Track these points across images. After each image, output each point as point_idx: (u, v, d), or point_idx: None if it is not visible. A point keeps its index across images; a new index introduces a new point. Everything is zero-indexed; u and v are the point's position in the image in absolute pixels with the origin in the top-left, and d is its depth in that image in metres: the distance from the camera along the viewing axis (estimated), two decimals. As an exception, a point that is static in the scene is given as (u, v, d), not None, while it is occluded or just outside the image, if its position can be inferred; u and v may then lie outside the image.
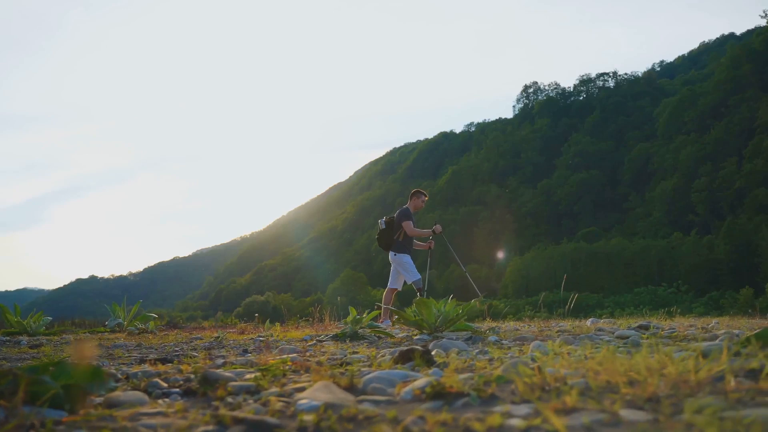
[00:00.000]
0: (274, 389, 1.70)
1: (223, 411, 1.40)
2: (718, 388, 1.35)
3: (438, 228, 8.98)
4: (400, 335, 4.31)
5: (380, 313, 6.99)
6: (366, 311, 4.64)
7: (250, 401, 1.57)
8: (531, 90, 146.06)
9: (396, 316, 9.59)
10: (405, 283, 8.99)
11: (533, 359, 2.00)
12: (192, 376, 1.92)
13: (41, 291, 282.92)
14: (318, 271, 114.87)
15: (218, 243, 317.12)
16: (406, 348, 2.26)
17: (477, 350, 2.76)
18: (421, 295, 8.81)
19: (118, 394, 1.73)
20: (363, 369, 2.12)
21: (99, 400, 1.68)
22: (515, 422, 1.20)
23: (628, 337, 3.25)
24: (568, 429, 1.13)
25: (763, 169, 74.86)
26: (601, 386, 1.40)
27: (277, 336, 5.02)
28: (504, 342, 3.34)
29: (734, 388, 1.38)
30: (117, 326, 8.50)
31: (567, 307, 8.47)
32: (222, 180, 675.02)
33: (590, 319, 6.56)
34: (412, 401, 1.45)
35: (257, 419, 1.31)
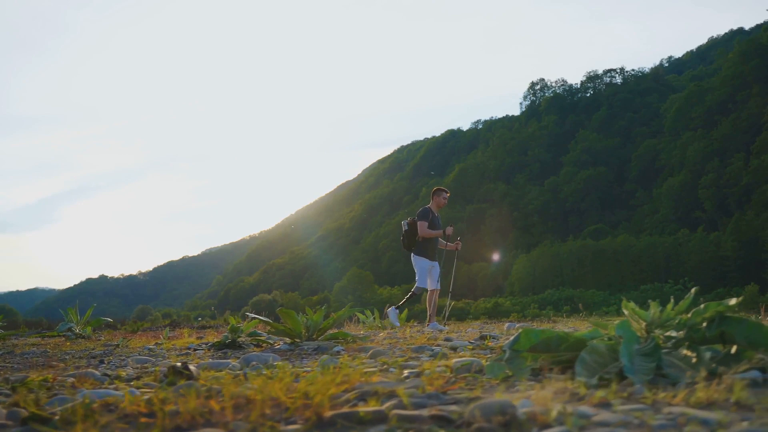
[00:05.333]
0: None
1: None
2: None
3: (449, 230, 8.88)
4: (280, 343, 4.30)
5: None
6: (245, 320, 4.61)
7: None
8: (538, 87, 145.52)
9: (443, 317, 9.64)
10: (433, 281, 8.90)
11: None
12: None
13: (51, 291, 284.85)
14: (325, 270, 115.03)
15: (227, 242, 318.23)
16: (172, 364, 2.26)
17: (270, 363, 2.75)
18: (410, 297, 8.81)
19: None
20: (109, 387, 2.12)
21: None
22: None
23: (456, 348, 3.24)
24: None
25: (771, 166, 74.37)
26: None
27: (166, 345, 5.00)
28: (343, 352, 3.33)
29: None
30: (68, 330, 8.56)
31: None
32: (231, 179, 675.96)
33: (507, 324, 6.53)
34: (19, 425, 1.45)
35: None
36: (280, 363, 2.62)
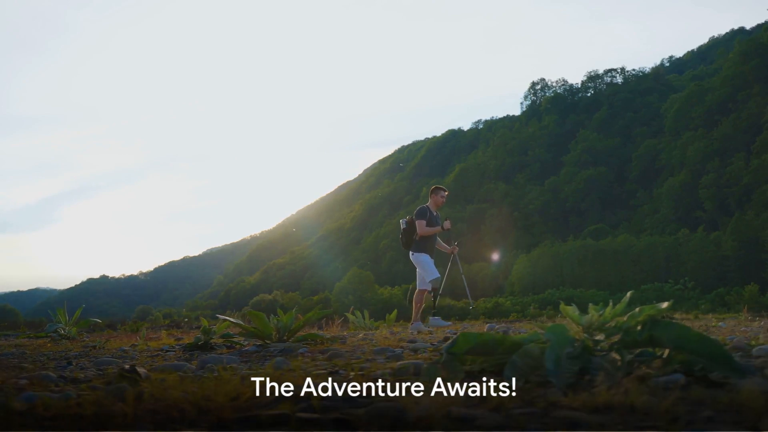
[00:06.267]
0: None
1: None
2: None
3: (447, 224, 8.85)
4: (251, 344, 4.32)
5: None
6: (215, 323, 4.62)
7: None
8: (538, 86, 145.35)
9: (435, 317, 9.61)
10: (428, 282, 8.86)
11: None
12: None
13: (53, 291, 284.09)
14: (326, 270, 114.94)
15: (228, 242, 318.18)
16: (120, 367, 2.29)
17: (210, 367, 2.78)
18: (434, 295, 8.78)
19: None
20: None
21: None
22: None
23: (417, 350, 3.27)
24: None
25: (771, 165, 74.37)
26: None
27: (141, 346, 5.03)
28: (308, 355, 3.36)
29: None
30: (54, 331, 8.61)
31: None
32: (232, 179, 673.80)
33: (487, 325, 6.54)
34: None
35: None
36: (226, 366, 2.64)
